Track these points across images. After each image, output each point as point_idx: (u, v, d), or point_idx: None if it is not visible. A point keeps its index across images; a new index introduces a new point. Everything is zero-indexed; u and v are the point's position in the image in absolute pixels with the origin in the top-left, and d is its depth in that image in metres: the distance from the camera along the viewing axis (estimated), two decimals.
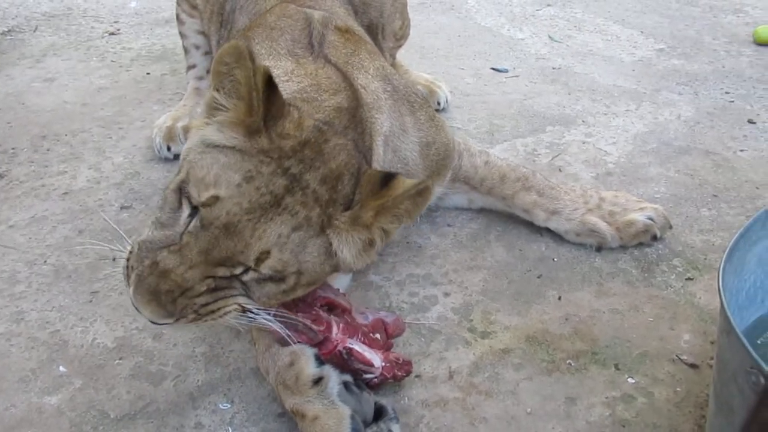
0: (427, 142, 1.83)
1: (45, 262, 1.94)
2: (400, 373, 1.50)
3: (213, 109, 1.35)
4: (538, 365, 1.59)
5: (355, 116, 1.51)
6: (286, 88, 1.51)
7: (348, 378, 1.42)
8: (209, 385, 1.56)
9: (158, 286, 1.22)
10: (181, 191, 1.30)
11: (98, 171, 2.35)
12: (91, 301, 1.80)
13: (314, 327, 1.41)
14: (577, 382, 1.55)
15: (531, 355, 1.62)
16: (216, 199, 1.24)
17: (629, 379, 1.55)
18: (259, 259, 1.25)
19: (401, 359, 1.52)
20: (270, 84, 1.27)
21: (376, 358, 1.45)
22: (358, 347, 1.44)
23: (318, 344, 1.42)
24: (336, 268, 1.39)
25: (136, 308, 1.26)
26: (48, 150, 2.48)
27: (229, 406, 1.50)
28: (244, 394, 1.53)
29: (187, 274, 1.23)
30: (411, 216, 1.34)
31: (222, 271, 1.26)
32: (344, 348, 1.42)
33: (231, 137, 1.31)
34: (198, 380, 1.57)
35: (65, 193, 2.23)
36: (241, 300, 1.31)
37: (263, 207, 1.24)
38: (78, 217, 2.12)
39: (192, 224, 1.26)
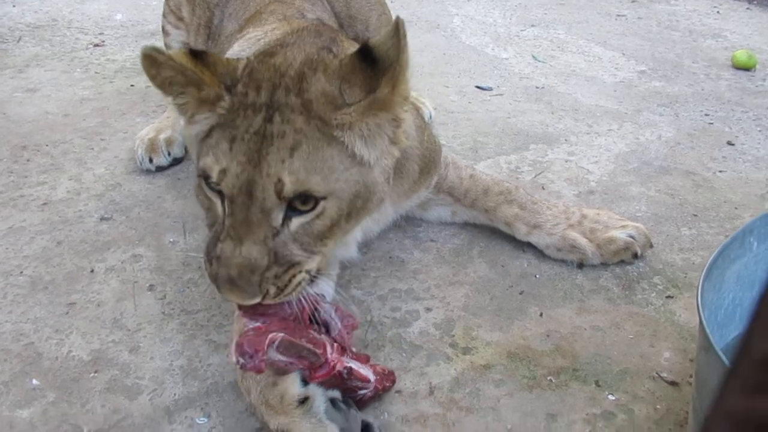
0: (420, 126, 1.82)
1: (21, 273, 1.91)
2: (387, 384, 1.50)
3: (182, 111, 1.39)
4: (518, 381, 1.59)
5: (320, 30, 1.52)
6: (257, 46, 1.54)
7: (335, 394, 1.41)
8: (186, 399, 1.53)
9: (230, 274, 1.28)
10: (204, 186, 1.36)
11: (79, 182, 2.33)
12: (67, 313, 1.77)
13: (317, 351, 1.39)
14: (558, 399, 1.54)
15: (512, 372, 1.61)
16: (224, 172, 1.28)
17: (609, 396, 1.55)
18: (278, 192, 1.27)
19: (386, 370, 1.52)
20: (197, 55, 1.31)
21: (370, 373, 1.45)
22: (354, 365, 1.42)
23: (317, 367, 1.40)
24: (366, 176, 1.36)
25: (227, 300, 1.36)
26: (28, 160, 2.45)
27: (205, 420, 1.48)
28: (222, 409, 1.50)
29: (244, 252, 1.28)
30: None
31: (268, 231, 1.29)
32: (344, 368, 1.41)
33: (204, 120, 1.35)
34: (175, 394, 1.54)
35: (44, 204, 2.20)
36: (307, 265, 1.35)
37: (256, 150, 1.27)
38: (57, 228, 2.09)
39: (225, 208, 1.32)
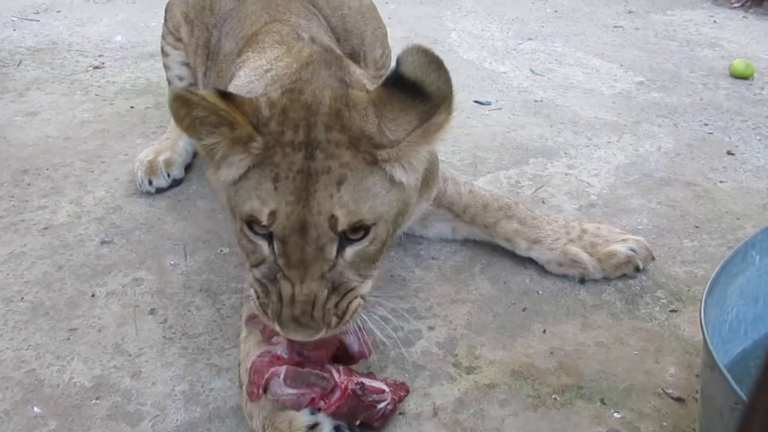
0: None
1: (22, 298, 1.90)
2: (402, 394, 1.51)
3: (210, 154, 1.36)
4: (523, 401, 1.57)
5: (328, 60, 1.53)
6: (267, 78, 1.54)
7: (341, 423, 1.40)
8: (188, 425, 1.52)
9: (294, 314, 1.29)
10: (246, 231, 1.34)
11: (79, 205, 2.33)
12: (68, 339, 1.76)
13: (324, 375, 1.38)
14: (563, 418, 1.53)
15: (516, 391, 1.60)
16: (273, 214, 1.28)
17: (615, 414, 1.54)
18: (332, 227, 1.28)
19: (397, 381, 1.52)
20: (225, 95, 1.30)
21: (383, 384, 1.44)
22: (365, 380, 1.42)
23: (329, 393, 1.38)
24: (404, 194, 1.39)
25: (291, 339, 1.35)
26: (29, 184, 2.45)
27: None
28: None
29: (305, 290, 1.29)
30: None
31: (324, 265, 1.30)
32: (356, 384, 1.39)
33: (239, 162, 1.32)
34: (177, 420, 1.53)
35: (45, 228, 2.21)
36: (362, 290, 1.38)
37: (303, 188, 1.27)
38: (58, 253, 2.09)
39: (276, 248, 1.31)
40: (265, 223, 1.29)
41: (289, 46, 1.69)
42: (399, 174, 1.34)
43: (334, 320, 1.33)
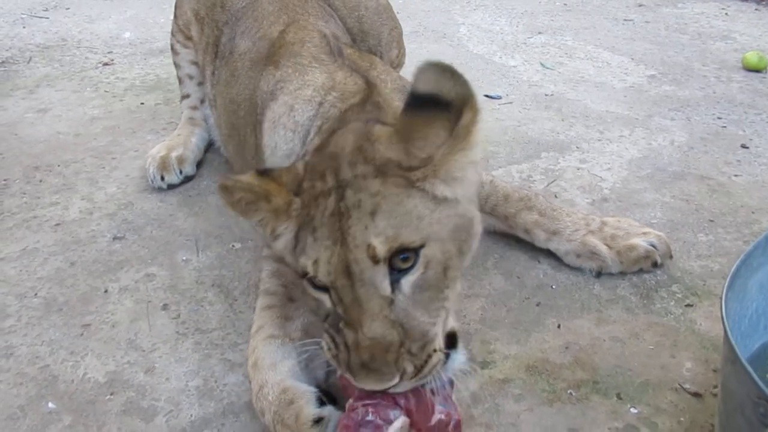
0: None
1: (36, 294, 1.91)
2: None
3: (265, 231, 1.41)
4: (538, 396, 1.56)
5: (368, 99, 1.54)
6: (322, 112, 1.57)
7: None
8: (202, 420, 1.52)
9: (362, 359, 1.21)
10: (308, 289, 1.33)
11: (91, 202, 2.33)
12: (82, 335, 1.76)
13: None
14: (579, 413, 1.52)
15: (531, 386, 1.59)
16: (316, 263, 1.26)
17: (632, 409, 1.52)
18: (372, 257, 1.20)
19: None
20: (263, 173, 1.36)
21: None
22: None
23: None
24: (457, 208, 1.30)
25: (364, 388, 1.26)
26: (40, 181, 2.46)
27: None
28: (239, 429, 1.49)
29: (367, 333, 1.20)
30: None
31: (382, 303, 1.21)
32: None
33: (286, 231, 1.36)
34: (191, 415, 1.53)
35: (57, 225, 2.21)
36: (439, 341, 1.27)
37: (337, 228, 1.24)
38: (70, 249, 2.09)
39: (332, 297, 1.27)
40: (311, 273, 1.27)
41: (330, 71, 1.66)
42: (441, 189, 1.27)
43: (410, 368, 1.21)
